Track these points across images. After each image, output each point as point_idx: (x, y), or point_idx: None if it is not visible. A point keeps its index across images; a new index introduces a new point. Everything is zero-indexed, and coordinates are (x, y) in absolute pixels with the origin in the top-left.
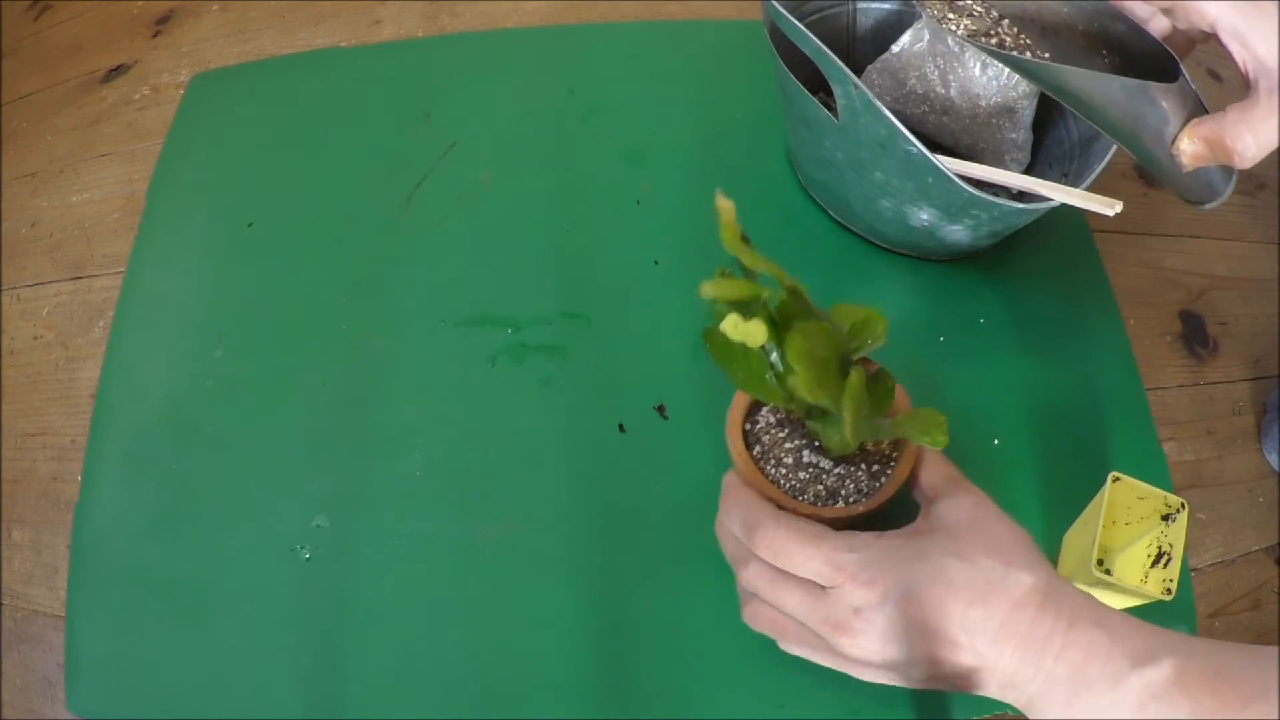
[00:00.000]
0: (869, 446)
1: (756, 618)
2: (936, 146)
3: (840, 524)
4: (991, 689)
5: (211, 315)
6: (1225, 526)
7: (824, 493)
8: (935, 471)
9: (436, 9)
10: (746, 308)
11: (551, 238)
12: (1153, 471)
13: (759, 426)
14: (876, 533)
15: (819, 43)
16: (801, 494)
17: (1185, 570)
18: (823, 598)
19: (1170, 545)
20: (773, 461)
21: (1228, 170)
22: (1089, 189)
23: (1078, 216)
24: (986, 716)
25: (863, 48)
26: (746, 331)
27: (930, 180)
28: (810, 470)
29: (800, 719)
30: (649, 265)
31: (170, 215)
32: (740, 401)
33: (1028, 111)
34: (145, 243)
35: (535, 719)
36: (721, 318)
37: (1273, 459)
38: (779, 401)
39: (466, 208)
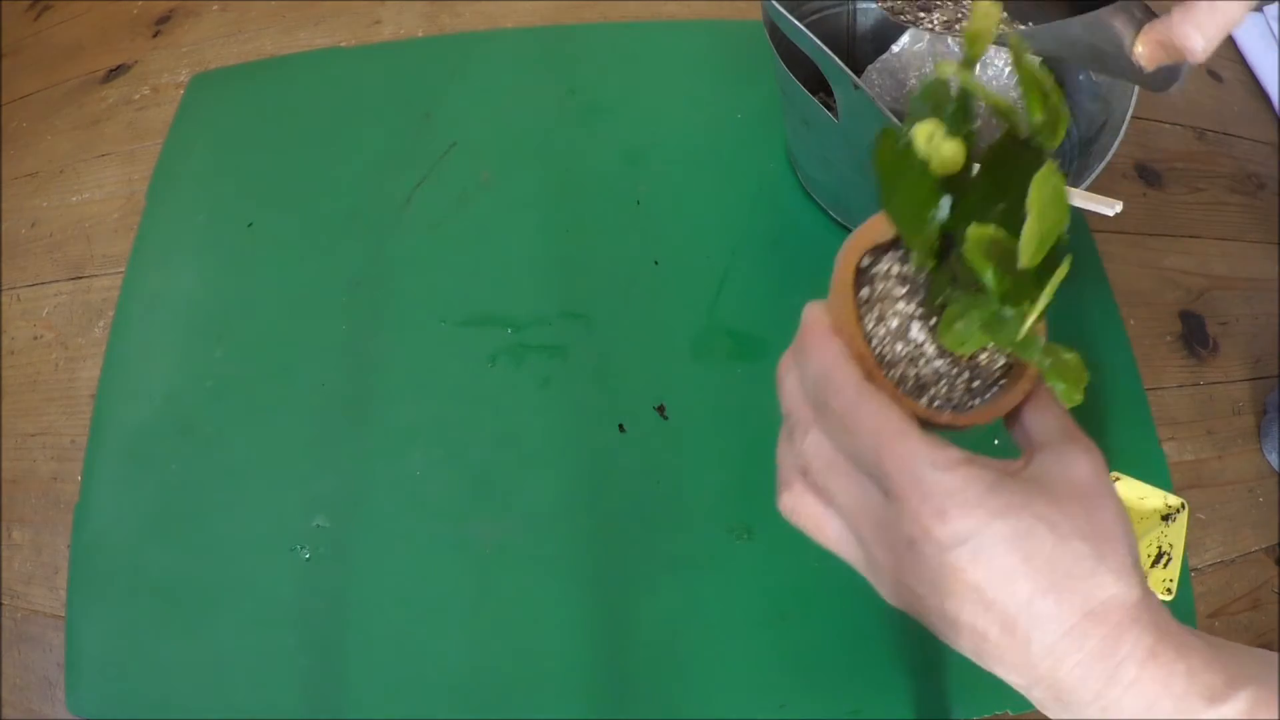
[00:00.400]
0: (981, 357)
1: (797, 509)
2: None
3: (921, 422)
4: (1033, 695)
5: (211, 315)
6: (1225, 526)
7: (911, 381)
8: (1050, 414)
9: (436, 9)
10: (956, 122)
11: (551, 238)
12: (1153, 471)
13: (878, 270)
14: (967, 454)
15: (819, 43)
16: (889, 369)
17: (1185, 570)
18: (882, 508)
19: (1170, 545)
20: (876, 316)
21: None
22: (1089, 189)
23: (1078, 216)
24: (987, 717)
25: (863, 48)
26: (940, 149)
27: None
28: (910, 347)
29: (800, 719)
30: (649, 265)
31: (170, 215)
32: (871, 230)
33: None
34: (145, 243)
35: (535, 719)
36: (916, 119)
37: (1273, 459)
38: (922, 252)
39: (466, 208)
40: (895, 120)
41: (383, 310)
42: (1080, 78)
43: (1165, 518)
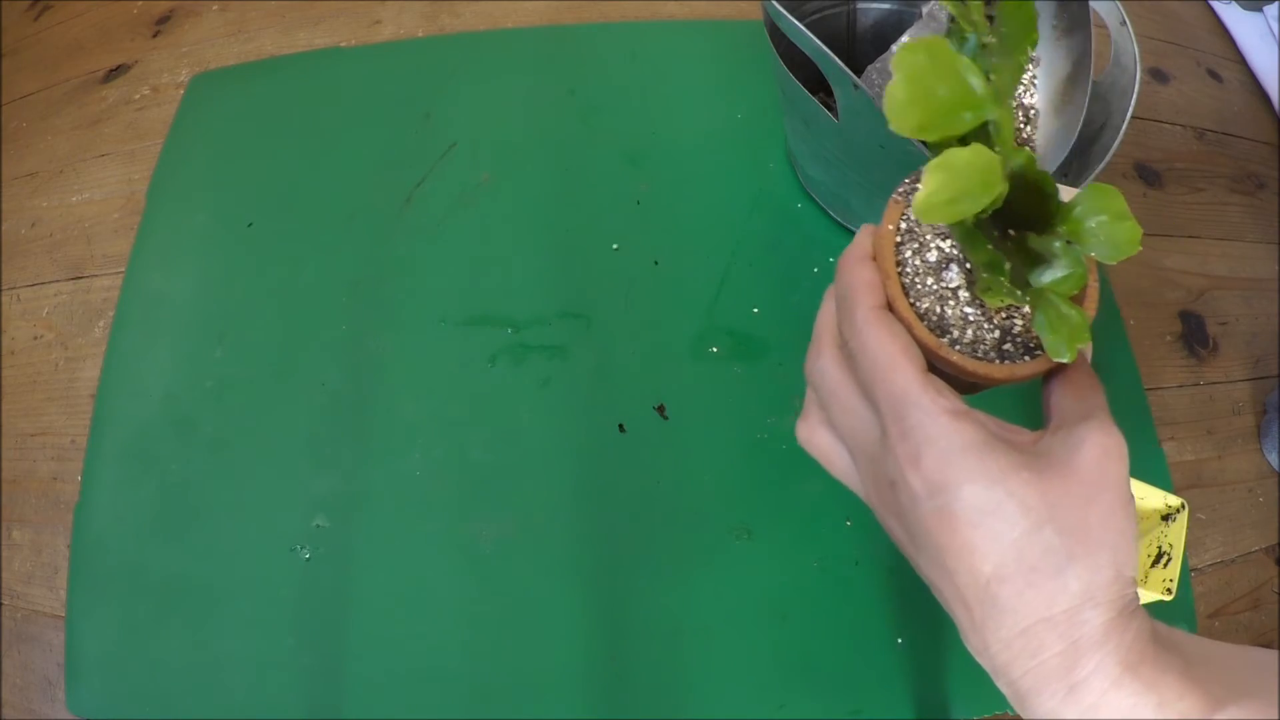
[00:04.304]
0: (1018, 323)
1: (810, 439)
2: None
3: (929, 356)
4: (999, 684)
5: (211, 315)
6: (1225, 526)
7: (935, 318)
8: (1075, 390)
9: (436, 9)
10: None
11: (551, 238)
12: (1153, 471)
13: None
14: (964, 408)
15: (819, 43)
16: (915, 302)
17: (1185, 570)
18: (876, 443)
19: (1170, 545)
20: (915, 247)
21: None
22: None
23: None
24: (986, 717)
25: (863, 48)
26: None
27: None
28: (941, 286)
29: (800, 719)
30: (649, 265)
31: (170, 215)
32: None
33: None
34: (145, 243)
35: (535, 719)
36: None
37: (1273, 459)
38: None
39: (466, 208)
40: None
41: (383, 310)
42: None
43: (1165, 518)
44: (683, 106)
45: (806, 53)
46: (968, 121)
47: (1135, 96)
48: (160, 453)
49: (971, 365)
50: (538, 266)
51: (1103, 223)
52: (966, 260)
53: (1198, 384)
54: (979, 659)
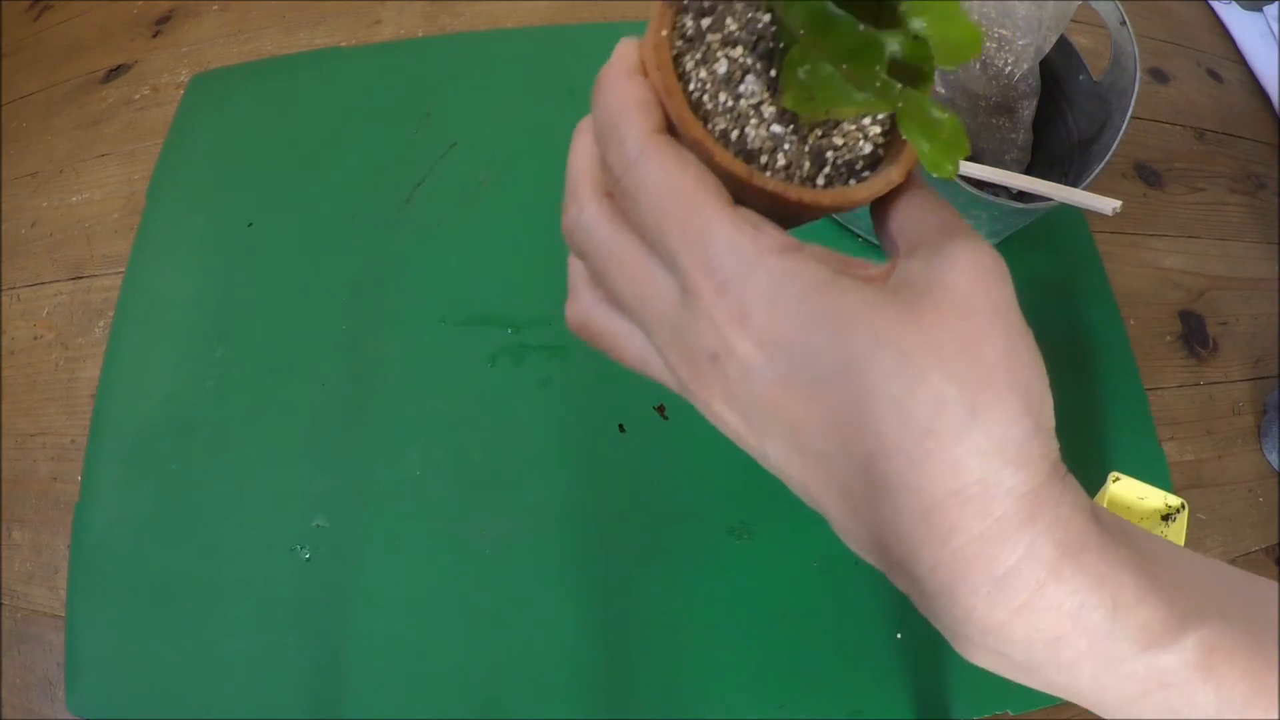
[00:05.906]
0: (836, 138)
1: (586, 324)
2: None
3: (733, 186)
4: (900, 586)
5: (211, 315)
6: (1225, 526)
7: (736, 142)
8: (926, 205)
9: (436, 9)
10: None
11: (552, 238)
12: (1153, 471)
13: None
14: (791, 240)
15: None
16: (707, 121)
17: None
18: (677, 306)
19: None
20: (697, 58)
21: None
22: (1089, 189)
23: (1078, 216)
24: (987, 717)
25: None
26: None
27: (929, 181)
28: (739, 104)
29: (800, 719)
30: None
31: (170, 215)
32: None
33: (1028, 111)
34: (145, 243)
35: (535, 719)
36: None
37: (1273, 459)
38: None
39: (466, 208)
40: None
41: (383, 310)
42: (1080, 78)
43: (1165, 518)
44: None
45: None
46: None
47: (1135, 96)
48: (160, 453)
49: (795, 193)
50: (538, 266)
51: (933, 19)
52: (769, 68)
53: (1198, 384)
54: (866, 557)
